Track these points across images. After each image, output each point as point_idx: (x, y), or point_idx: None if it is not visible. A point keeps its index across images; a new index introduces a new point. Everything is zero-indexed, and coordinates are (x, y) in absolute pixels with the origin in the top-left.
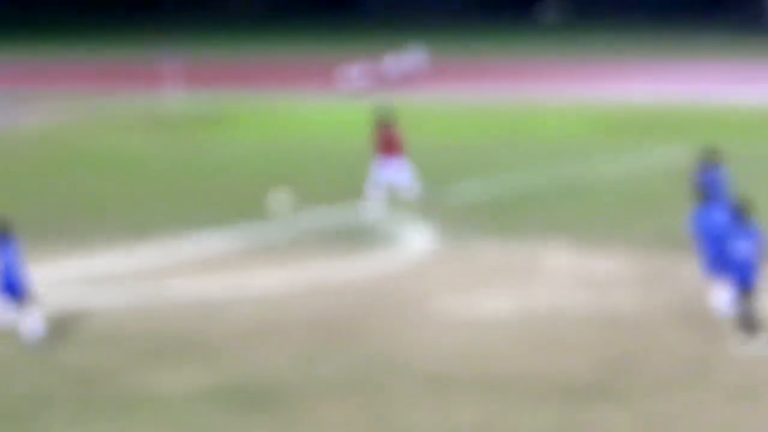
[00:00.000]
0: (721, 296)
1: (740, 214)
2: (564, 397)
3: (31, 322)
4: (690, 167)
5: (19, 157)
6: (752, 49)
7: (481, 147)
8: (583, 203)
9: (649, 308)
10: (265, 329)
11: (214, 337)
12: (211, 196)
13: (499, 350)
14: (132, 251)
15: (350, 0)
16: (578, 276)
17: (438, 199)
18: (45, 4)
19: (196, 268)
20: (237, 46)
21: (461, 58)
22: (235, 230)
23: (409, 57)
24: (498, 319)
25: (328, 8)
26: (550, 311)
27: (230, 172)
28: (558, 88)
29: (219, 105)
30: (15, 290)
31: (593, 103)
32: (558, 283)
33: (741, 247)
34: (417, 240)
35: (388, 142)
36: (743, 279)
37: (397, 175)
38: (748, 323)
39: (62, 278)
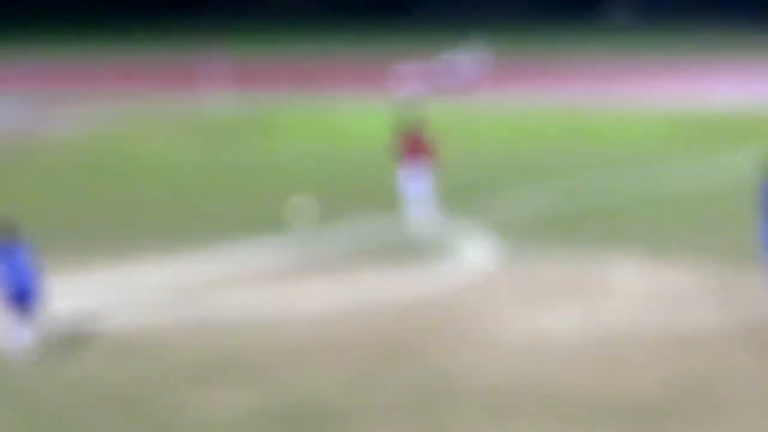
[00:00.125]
0: None
1: None
2: (631, 420)
3: (23, 333)
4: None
5: (53, 164)
6: None
7: (543, 154)
8: (651, 214)
9: (723, 327)
10: (316, 348)
11: (262, 355)
12: (258, 206)
13: (564, 371)
14: (173, 264)
15: None
16: (647, 292)
17: (498, 210)
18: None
19: (243, 282)
20: (284, 46)
21: (523, 59)
22: (284, 242)
23: (467, 58)
24: (562, 338)
25: (382, 5)
26: (617, 329)
27: (277, 180)
28: (626, 92)
29: (264, 108)
30: (24, 298)
31: (662, 108)
32: (625, 300)
33: None
34: (475, 254)
35: (414, 149)
36: None
37: (419, 184)
38: None
39: (97, 292)
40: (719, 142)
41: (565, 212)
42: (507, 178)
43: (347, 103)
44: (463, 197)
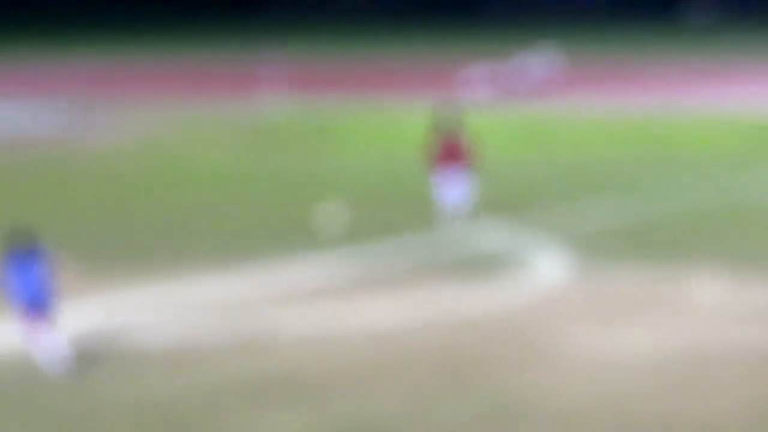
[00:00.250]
0: None
1: None
2: None
3: (51, 344)
4: None
5: (104, 173)
6: None
7: (619, 162)
8: (731, 226)
9: None
10: (375, 367)
11: (321, 375)
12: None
13: (641, 391)
14: (229, 278)
15: None
16: (730, 308)
17: (569, 221)
18: (131, 1)
19: (301, 297)
20: (344, 47)
21: (596, 62)
22: (344, 255)
23: (538, 61)
24: (640, 357)
25: (447, 5)
26: (696, 347)
27: (338, 190)
28: (704, 96)
29: (324, 113)
30: (40, 307)
31: (743, 113)
32: (704, 316)
33: None
34: (547, 268)
35: (450, 153)
36: None
37: (456, 189)
38: None
39: (151, 307)
40: None
41: (640, 224)
42: (578, 188)
43: (411, 107)
44: (531, 207)
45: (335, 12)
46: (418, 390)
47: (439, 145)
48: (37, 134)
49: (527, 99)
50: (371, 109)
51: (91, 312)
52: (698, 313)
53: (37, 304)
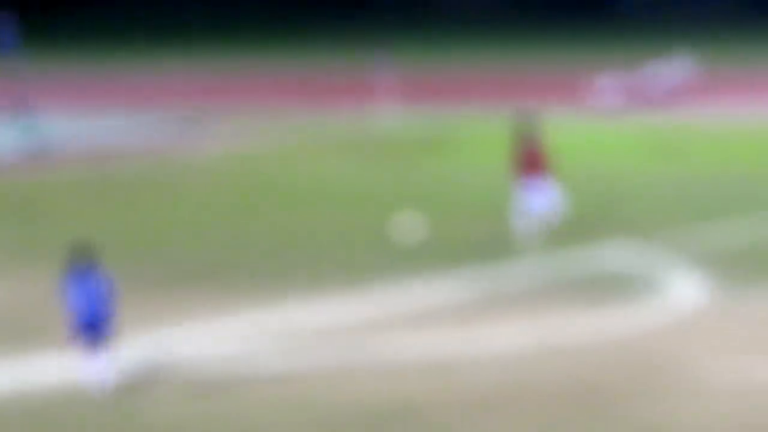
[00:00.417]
0: None
1: None
2: None
3: (102, 368)
4: None
5: (202, 187)
6: None
7: (758, 177)
8: None
9: None
10: (499, 396)
11: (439, 405)
12: (434, 235)
13: None
14: (338, 301)
15: None
16: None
17: (703, 240)
18: (235, 5)
19: (416, 321)
20: (464, 54)
21: (737, 67)
22: (462, 276)
23: (673, 66)
24: None
25: (574, 7)
26: None
27: (456, 206)
28: None
29: (441, 124)
30: (96, 329)
31: None
32: None
33: None
34: (679, 290)
35: (531, 161)
36: None
37: (541, 199)
38: None
39: (250, 334)
40: None
41: None
42: (713, 203)
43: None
44: (661, 224)
45: (448, 13)
46: (541, 420)
47: (521, 155)
48: (137, 146)
49: (660, 108)
50: (491, 120)
51: (190, 337)
52: None
53: (93, 324)
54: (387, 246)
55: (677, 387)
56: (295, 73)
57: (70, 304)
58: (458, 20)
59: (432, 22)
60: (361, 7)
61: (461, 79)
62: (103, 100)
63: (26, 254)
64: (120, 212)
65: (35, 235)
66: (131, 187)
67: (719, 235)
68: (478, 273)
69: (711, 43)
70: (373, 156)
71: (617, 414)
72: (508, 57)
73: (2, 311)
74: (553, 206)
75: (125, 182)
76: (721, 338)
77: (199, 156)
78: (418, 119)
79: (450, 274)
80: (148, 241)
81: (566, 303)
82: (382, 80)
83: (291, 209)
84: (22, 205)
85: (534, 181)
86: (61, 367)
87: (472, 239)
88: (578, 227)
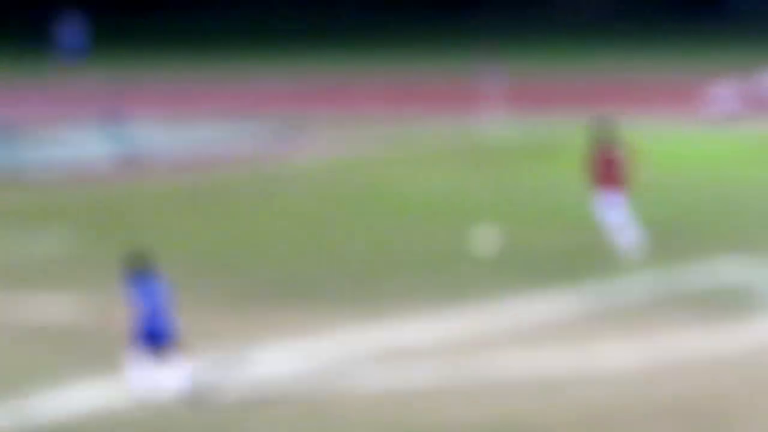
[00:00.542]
0: None
1: None
2: None
3: (174, 377)
4: None
5: (295, 197)
6: None
7: None
8: None
9: None
10: (609, 415)
11: (549, 425)
12: (541, 248)
13: None
14: (441, 317)
15: None
16: None
17: None
18: (332, 8)
19: (524, 338)
20: (572, 58)
21: None
22: (573, 290)
23: None
24: None
25: (691, 9)
26: None
27: (564, 218)
28: None
29: (550, 133)
30: (157, 337)
31: None
32: None
33: None
34: None
35: (608, 170)
36: None
37: (617, 210)
38: None
39: (345, 351)
40: None
41: None
42: None
43: (647, 127)
44: None
45: (561, 16)
46: None
47: (597, 164)
48: (230, 154)
49: None
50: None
51: (283, 354)
52: None
53: (153, 337)
54: (484, 258)
55: None
56: (396, 78)
57: (132, 312)
58: (570, 23)
59: (543, 24)
60: (468, 8)
61: (569, 84)
62: (196, 107)
63: (113, 266)
64: (212, 223)
65: (123, 246)
66: (224, 197)
67: None
68: (583, 287)
69: None
70: (475, 165)
71: None
72: (621, 62)
73: (88, 324)
74: (628, 219)
75: (218, 192)
76: None
77: (296, 165)
78: (525, 127)
79: (558, 288)
80: (241, 254)
81: (678, 318)
82: (487, 86)
83: (395, 217)
84: (110, 215)
85: (610, 192)
86: (146, 380)
87: (572, 251)
88: (687, 239)
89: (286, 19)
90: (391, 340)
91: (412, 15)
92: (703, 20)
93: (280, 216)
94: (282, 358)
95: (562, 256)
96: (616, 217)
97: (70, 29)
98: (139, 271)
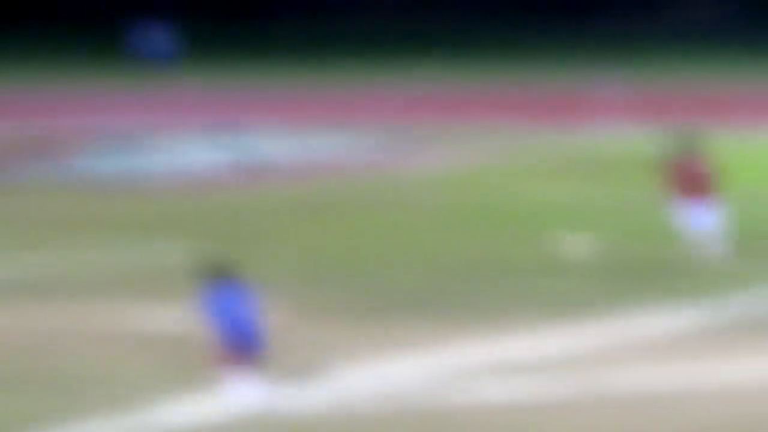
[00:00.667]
0: None
1: None
2: None
3: (247, 385)
4: None
5: (409, 207)
6: None
7: None
8: None
9: None
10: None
11: None
12: (662, 263)
13: None
14: (553, 332)
15: None
16: None
17: None
18: (441, 15)
19: (638, 353)
20: (698, 65)
21: None
22: (691, 306)
23: None
24: None
25: None
26: None
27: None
28: None
29: (667, 143)
30: (247, 345)
31: None
32: None
33: None
34: None
35: (689, 179)
36: None
37: (701, 221)
38: None
39: (462, 367)
40: None
41: None
42: None
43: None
44: None
45: (681, 21)
46: None
47: (677, 174)
48: (351, 162)
49: None
50: (733, 140)
51: (405, 367)
52: None
53: (242, 346)
54: (596, 270)
55: None
56: (516, 87)
57: (214, 323)
58: (694, 30)
59: (668, 31)
60: (590, 16)
61: (691, 94)
62: (309, 115)
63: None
64: (329, 233)
65: (238, 257)
66: (339, 207)
67: None
68: (710, 303)
69: None
70: (597, 178)
71: None
72: (740, 70)
73: (199, 336)
74: (715, 230)
75: (333, 202)
76: None
77: (411, 175)
78: (649, 139)
79: (677, 303)
80: (357, 265)
81: None
82: (608, 96)
83: (511, 229)
84: (225, 224)
85: (693, 204)
86: (242, 394)
87: (680, 265)
88: None
89: (404, 26)
90: (506, 352)
91: (529, 21)
92: None
93: (395, 226)
94: (404, 371)
95: (670, 269)
96: (700, 226)
97: (156, 37)
98: (222, 282)
